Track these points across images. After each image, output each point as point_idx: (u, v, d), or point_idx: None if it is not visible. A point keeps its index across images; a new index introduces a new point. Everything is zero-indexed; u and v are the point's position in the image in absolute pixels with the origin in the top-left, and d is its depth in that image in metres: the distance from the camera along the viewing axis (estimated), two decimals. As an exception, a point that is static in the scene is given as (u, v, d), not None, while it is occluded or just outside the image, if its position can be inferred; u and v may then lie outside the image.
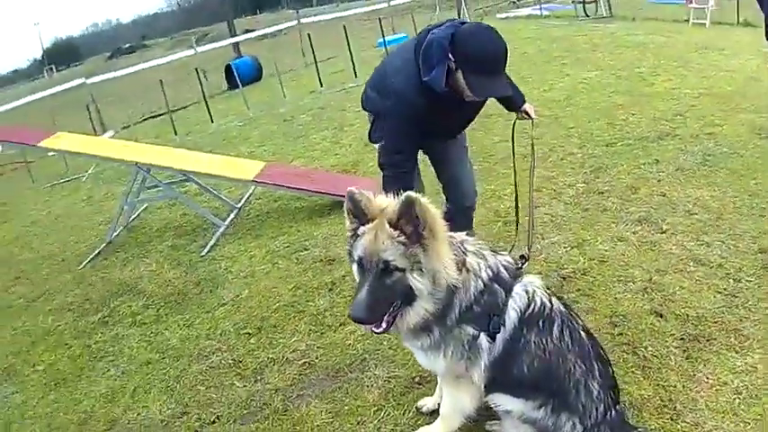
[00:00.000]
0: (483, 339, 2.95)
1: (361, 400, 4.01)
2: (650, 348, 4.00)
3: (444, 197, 4.85)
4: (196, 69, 17.11)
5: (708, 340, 4.01)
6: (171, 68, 25.20)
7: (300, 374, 4.39)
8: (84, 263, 7.41)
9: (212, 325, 5.35)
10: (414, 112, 3.90)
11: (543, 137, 8.23)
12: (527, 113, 5.00)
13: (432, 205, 2.77)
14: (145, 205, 8.46)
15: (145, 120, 19.49)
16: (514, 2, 33.36)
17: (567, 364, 2.96)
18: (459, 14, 28.63)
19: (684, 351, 3.95)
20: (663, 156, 6.98)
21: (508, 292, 2.98)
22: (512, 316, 2.96)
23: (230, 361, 4.74)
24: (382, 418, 3.80)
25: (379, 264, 2.75)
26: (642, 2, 26.52)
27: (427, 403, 3.67)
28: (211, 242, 7.02)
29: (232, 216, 7.63)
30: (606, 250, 5.23)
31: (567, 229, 5.74)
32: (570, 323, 3.05)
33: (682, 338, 4.06)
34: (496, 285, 2.96)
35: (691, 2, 20.10)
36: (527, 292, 3.03)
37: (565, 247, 5.39)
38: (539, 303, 3.01)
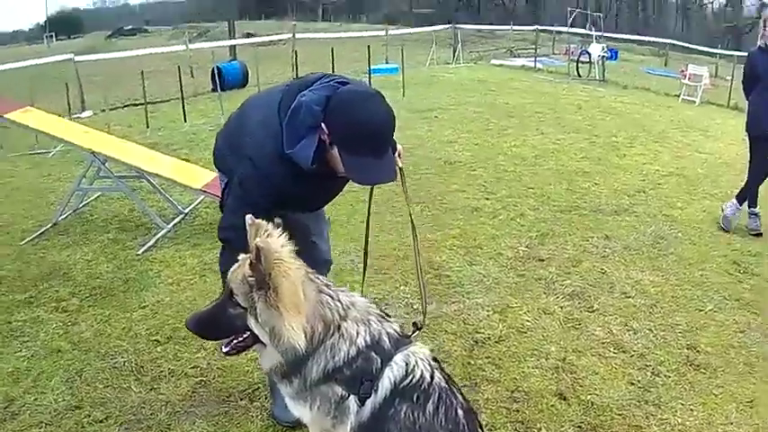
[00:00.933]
0: (352, 401, 2.84)
1: (243, 429, 3.98)
2: (544, 431, 3.94)
3: None
4: (178, 67, 17.01)
5: None
6: (164, 59, 25.22)
7: (193, 392, 4.36)
8: (26, 239, 7.32)
9: (127, 326, 5.31)
10: (273, 185, 3.24)
11: (499, 192, 8.34)
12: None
13: (290, 266, 2.66)
14: (98, 194, 8.40)
15: (125, 107, 19.37)
16: (511, 50, 33.61)
17: None
18: (453, 55, 28.80)
19: None
20: (614, 232, 7.03)
21: (386, 360, 2.84)
22: (385, 384, 2.82)
23: (133, 365, 4.71)
24: (259, 451, 3.74)
25: (227, 290, 2.74)
26: (637, 70, 26.87)
27: None
28: (150, 242, 6.97)
29: (176, 221, 7.59)
30: (528, 321, 5.19)
31: (495, 292, 5.70)
32: (448, 400, 2.90)
33: (579, 426, 3.99)
34: (373, 353, 2.83)
35: (685, 77, 20.35)
36: (407, 363, 2.87)
37: (487, 311, 5.35)
38: (417, 376, 2.86)
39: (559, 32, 34.68)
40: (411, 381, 2.84)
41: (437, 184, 8.76)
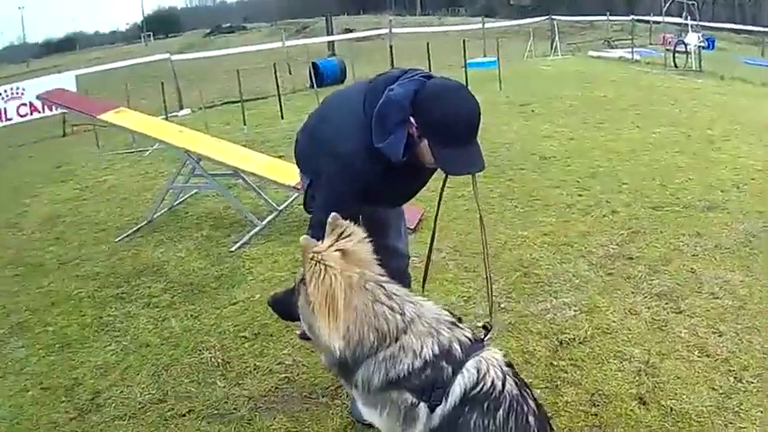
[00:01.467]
0: (422, 408, 2.82)
1: (321, 425, 4.02)
2: None
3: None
4: (274, 64, 17.27)
5: None
6: (261, 56, 25.54)
7: (277, 387, 4.43)
8: (121, 236, 7.60)
9: (216, 322, 5.44)
10: (362, 181, 3.28)
11: (593, 188, 8.17)
12: None
13: (337, 269, 2.69)
14: (194, 191, 8.59)
15: (222, 104, 19.73)
16: (609, 42, 32.98)
17: None
18: (551, 47, 28.46)
19: None
20: (706, 229, 6.79)
21: (457, 368, 2.82)
22: (456, 392, 2.80)
23: (220, 360, 4.82)
24: (336, 449, 3.79)
25: (299, 276, 2.84)
26: (734, 60, 26.06)
27: None
28: (244, 239, 7.11)
29: (270, 218, 7.71)
30: (614, 321, 5.07)
31: (583, 291, 5.60)
32: (519, 407, 2.85)
33: None
34: (444, 362, 2.80)
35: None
36: (479, 370, 2.83)
37: (574, 311, 5.26)
38: (488, 384, 2.82)
39: (656, 22, 33.90)
40: (482, 388, 2.81)
41: (531, 181, 8.69)
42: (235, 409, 4.24)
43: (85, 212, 8.91)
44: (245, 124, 14.57)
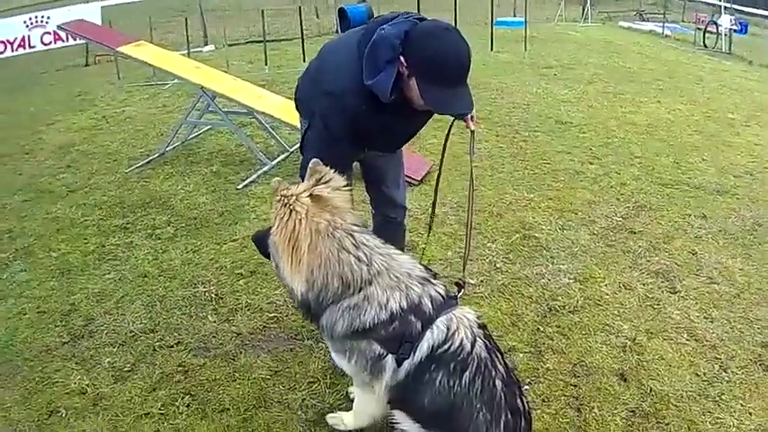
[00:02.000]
0: (389, 360, 2.90)
1: (303, 367, 4.11)
2: (596, 410, 3.85)
3: (371, 206, 4.37)
4: (299, 7, 17.16)
5: (658, 422, 3.81)
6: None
7: (265, 326, 4.52)
8: (132, 167, 7.68)
9: (215, 257, 5.52)
10: (353, 118, 3.28)
11: (604, 158, 8.12)
12: (466, 122, 3.75)
13: (307, 212, 2.77)
14: (208, 127, 8.64)
15: (246, 43, 19.60)
16: (641, 14, 32.51)
17: (471, 408, 2.88)
18: (582, 13, 28.14)
19: (629, 425, 3.78)
20: (713, 212, 6.73)
21: (427, 323, 2.86)
22: (423, 348, 2.86)
23: (213, 295, 4.92)
24: (313, 390, 3.90)
25: None
26: (766, 47, 25.67)
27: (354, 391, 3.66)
28: (251, 178, 7.16)
29: (281, 158, 7.76)
30: (607, 294, 5.07)
31: (580, 260, 5.59)
32: (486, 371, 2.90)
33: (633, 411, 3.87)
34: (412, 316, 2.85)
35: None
36: (448, 328, 2.89)
37: (568, 279, 5.26)
38: (457, 343, 2.87)
39: (691, 0, 33.32)
40: (449, 347, 2.86)
41: (544, 144, 8.63)
42: (221, 344, 4.33)
43: (99, 142, 8.97)
44: (266, 64, 14.56)
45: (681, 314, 4.87)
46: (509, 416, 2.92)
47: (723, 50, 21.67)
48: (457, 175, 6.91)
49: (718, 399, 4.02)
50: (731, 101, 12.46)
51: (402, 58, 3.12)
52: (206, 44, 18.98)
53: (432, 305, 2.89)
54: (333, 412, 3.67)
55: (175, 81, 11.48)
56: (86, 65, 18.19)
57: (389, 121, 3.38)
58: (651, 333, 4.61)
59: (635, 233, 6.16)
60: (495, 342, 3.02)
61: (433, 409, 2.90)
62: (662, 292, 5.17)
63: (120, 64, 13.76)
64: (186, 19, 17.48)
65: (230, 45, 17.42)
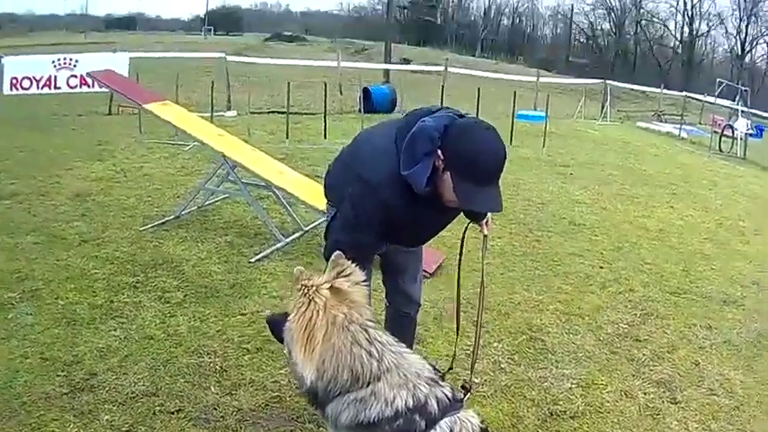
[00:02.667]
0: None
1: (305, 451, 4.06)
2: None
3: (385, 297, 4.37)
4: (324, 83, 17.40)
5: None
6: (318, 71, 25.68)
7: (267, 404, 4.52)
8: (147, 226, 7.76)
9: (222, 329, 5.53)
10: (383, 208, 3.33)
11: (615, 263, 8.18)
12: (481, 226, 4.04)
13: (324, 303, 2.78)
14: (225, 196, 8.72)
15: (269, 113, 19.90)
16: (659, 115, 32.90)
17: None
18: (601, 111, 28.50)
19: None
20: (718, 323, 6.74)
21: (431, 424, 2.82)
22: None
23: (218, 367, 4.92)
24: (314, 477, 3.84)
25: None
26: (780, 152, 25.86)
27: None
28: (264, 253, 7.20)
29: (295, 236, 7.81)
30: (608, 401, 5.05)
31: (584, 365, 5.60)
32: None
33: None
34: (417, 416, 2.81)
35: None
36: (452, 430, 2.85)
37: (571, 383, 5.25)
38: None
39: (708, 102, 33.73)
40: None
41: (556, 245, 8.72)
42: (222, 417, 4.32)
43: (116, 195, 9.08)
44: (287, 137, 14.76)
45: (680, 425, 4.85)
46: None
47: (738, 155, 21.91)
48: (468, 270, 6.90)
49: None
50: (743, 208, 12.64)
51: (439, 151, 3.17)
52: (229, 109, 19.25)
53: (437, 406, 2.85)
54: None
55: (196, 143, 11.64)
56: (109, 113, 18.47)
57: (419, 215, 3.42)
58: (650, 446, 4.57)
59: (640, 341, 6.16)
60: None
61: None
62: (662, 401, 5.15)
63: (143, 118, 13.93)
64: (213, 82, 17.68)
65: (252, 113, 17.62)
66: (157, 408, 4.36)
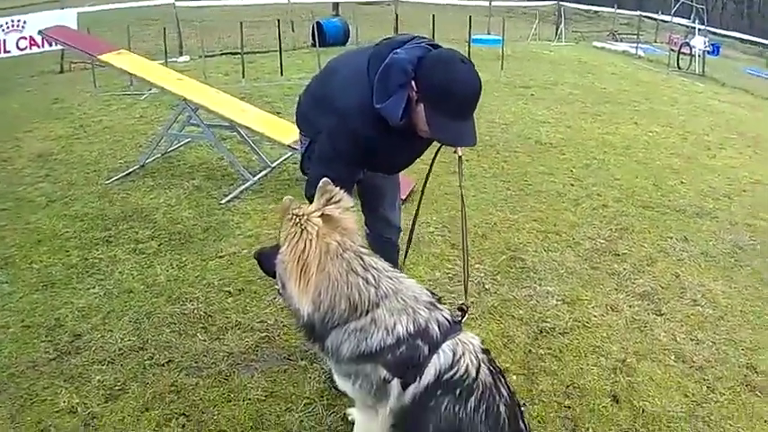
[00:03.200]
0: (395, 385, 2.88)
1: (298, 388, 4.10)
2: (591, 431, 3.94)
3: (365, 226, 4.24)
4: (278, 20, 17.21)
5: None
6: (265, 10, 25.31)
7: (257, 346, 4.51)
8: (112, 179, 7.63)
9: (201, 274, 5.49)
10: (358, 139, 3.34)
11: (585, 180, 8.26)
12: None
13: (317, 232, 2.76)
14: (188, 140, 8.61)
15: (222, 54, 19.61)
16: (614, 34, 32.93)
17: None
18: (556, 32, 28.49)
19: None
20: (694, 236, 6.85)
21: (434, 347, 2.87)
22: (430, 372, 2.86)
23: (202, 313, 4.89)
24: (309, 412, 3.90)
25: None
26: (738, 69, 26.07)
27: (354, 413, 3.61)
28: (234, 193, 7.14)
29: (262, 174, 7.74)
30: (595, 316, 5.14)
31: (567, 282, 5.66)
32: (491, 397, 2.90)
33: (626, 430, 3.96)
34: (419, 341, 2.85)
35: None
36: (454, 353, 2.89)
37: (557, 300, 5.33)
38: (462, 369, 2.87)
39: (663, 21, 33.71)
40: (455, 373, 2.86)
41: (526, 165, 8.77)
42: (213, 363, 4.31)
43: (78, 152, 8.89)
44: (243, 77, 14.59)
45: (667, 336, 4.95)
46: (512, 440, 2.91)
47: (696, 72, 22.04)
48: (440, 194, 6.98)
49: (707, 419, 4.11)
50: (706, 123, 12.74)
51: (413, 83, 3.15)
52: (181, 54, 18.91)
53: (439, 330, 2.87)
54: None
55: (153, 91, 11.44)
56: (61, 71, 18.01)
57: (395, 145, 3.42)
58: (640, 355, 4.69)
59: (619, 255, 6.25)
60: (498, 366, 3.03)
61: None
62: (648, 314, 5.25)
63: (97, 72, 13.67)
64: (165, 28, 17.36)
65: (206, 56, 17.37)
66: (147, 361, 4.34)
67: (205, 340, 4.55)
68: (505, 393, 2.95)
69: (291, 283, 2.80)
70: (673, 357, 4.70)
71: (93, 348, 4.48)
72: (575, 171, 8.65)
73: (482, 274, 5.65)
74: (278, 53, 16.49)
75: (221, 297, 5.13)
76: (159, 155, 8.25)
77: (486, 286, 5.47)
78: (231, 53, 18.86)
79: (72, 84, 14.85)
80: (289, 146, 7.17)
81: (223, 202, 6.96)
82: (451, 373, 2.85)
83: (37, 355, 4.42)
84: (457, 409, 2.84)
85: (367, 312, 2.81)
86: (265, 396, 4.02)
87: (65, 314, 4.89)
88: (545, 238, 6.48)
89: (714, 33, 29.86)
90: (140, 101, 11.93)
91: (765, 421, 4.17)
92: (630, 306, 5.33)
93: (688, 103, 14.86)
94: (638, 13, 33.58)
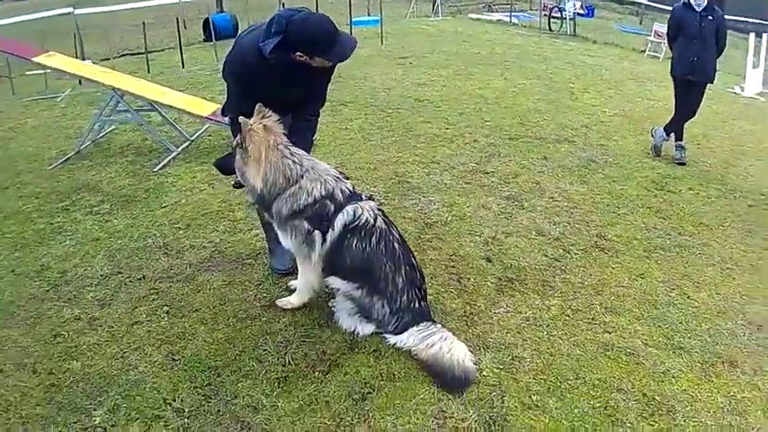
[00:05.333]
0: (317, 235, 4.29)
1: (250, 275, 5.33)
2: (471, 279, 5.24)
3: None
4: (177, 18, 18.17)
5: (520, 283, 5.23)
6: (154, 11, 25.73)
7: (211, 257, 5.68)
8: (54, 165, 8.40)
9: (153, 220, 6.54)
10: (245, 65, 4.40)
11: (459, 124, 9.66)
12: None
13: (261, 135, 4.13)
14: (113, 126, 9.52)
15: (123, 56, 20.18)
16: (489, 5, 34.28)
17: (379, 262, 4.27)
18: (433, 8, 29.67)
19: (498, 286, 5.17)
20: (553, 155, 8.31)
21: (338, 207, 4.26)
22: (338, 224, 4.25)
23: (161, 243, 5.99)
24: (262, 288, 5.13)
25: (239, 142, 4.27)
26: (611, 27, 27.75)
27: (295, 283, 4.92)
28: (164, 162, 8.14)
29: (185, 145, 8.78)
30: (469, 212, 6.51)
31: (446, 193, 7.01)
32: (387, 236, 4.32)
33: (499, 278, 5.28)
34: (328, 201, 4.25)
35: (653, 35, 21.25)
36: (355, 210, 4.27)
37: (438, 205, 6.67)
38: (363, 220, 4.26)
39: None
40: (358, 222, 4.29)
41: (407, 118, 10.03)
42: (180, 272, 5.46)
43: (15, 148, 9.56)
44: (149, 72, 15.51)
45: (529, 221, 6.38)
46: (407, 267, 4.35)
47: (568, 33, 23.48)
48: (335, 146, 8.40)
49: (564, 268, 5.54)
50: (572, 74, 14.29)
51: (300, 53, 4.20)
52: (84, 59, 19.26)
53: (341, 196, 4.31)
54: (280, 299, 4.90)
55: (67, 92, 12.26)
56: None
57: (274, 75, 4.37)
58: (507, 233, 6.10)
59: (488, 173, 7.65)
60: (391, 219, 4.46)
61: (354, 266, 4.30)
62: (513, 209, 6.66)
63: (15, 80, 14.45)
64: (75, 35, 18.19)
65: (104, 60, 18.01)
66: (127, 280, 5.40)
67: (168, 260, 5.67)
68: (397, 236, 4.41)
69: (250, 170, 4.23)
70: (534, 233, 6.13)
71: (81, 277, 5.47)
72: (450, 119, 10.02)
73: (375, 193, 6.88)
74: (177, 49, 17.54)
75: (174, 231, 6.23)
76: (90, 143, 9.11)
77: (381, 201, 6.66)
78: (130, 54, 19.57)
79: (-13, 93, 15.23)
80: (207, 117, 8.32)
81: (156, 170, 7.95)
82: (356, 223, 4.28)
83: (34, 290, 5.32)
84: (363, 245, 4.29)
85: (296, 182, 4.24)
86: (226, 285, 5.20)
87: (48, 261, 5.80)
88: (426, 166, 7.82)
89: (590, -3, 31.49)
90: (57, 102, 12.64)
91: (611, 267, 5.62)
92: (498, 204, 6.74)
93: (557, 60, 16.41)
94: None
